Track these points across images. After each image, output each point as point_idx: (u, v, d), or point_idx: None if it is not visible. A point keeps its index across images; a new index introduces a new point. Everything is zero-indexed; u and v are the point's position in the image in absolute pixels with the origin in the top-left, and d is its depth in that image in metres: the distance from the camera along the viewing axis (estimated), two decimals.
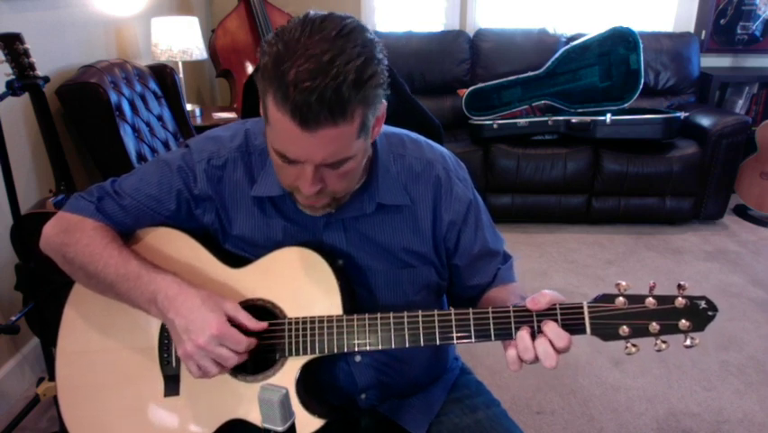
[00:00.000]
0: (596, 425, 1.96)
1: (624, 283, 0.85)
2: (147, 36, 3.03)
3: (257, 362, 0.95)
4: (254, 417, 0.92)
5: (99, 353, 0.98)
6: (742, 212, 3.72)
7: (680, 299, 0.84)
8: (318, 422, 0.90)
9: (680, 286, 0.85)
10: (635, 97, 3.43)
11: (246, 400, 0.93)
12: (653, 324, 0.84)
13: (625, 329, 0.84)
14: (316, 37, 0.74)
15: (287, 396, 0.66)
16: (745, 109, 3.97)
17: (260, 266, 0.97)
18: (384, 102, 0.85)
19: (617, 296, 0.85)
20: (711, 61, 3.97)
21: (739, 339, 2.42)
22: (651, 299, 0.85)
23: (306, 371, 0.93)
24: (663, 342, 0.84)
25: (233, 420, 0.94)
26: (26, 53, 1.58)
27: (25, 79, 1.59)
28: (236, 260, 0.99)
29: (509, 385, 2.12)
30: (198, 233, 1.02)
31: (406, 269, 1.01)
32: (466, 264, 1.04)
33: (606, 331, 0.85)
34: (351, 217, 0.98)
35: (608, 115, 3.29)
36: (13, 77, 1.58)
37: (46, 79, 1.65)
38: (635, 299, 0.85)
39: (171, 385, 0.96)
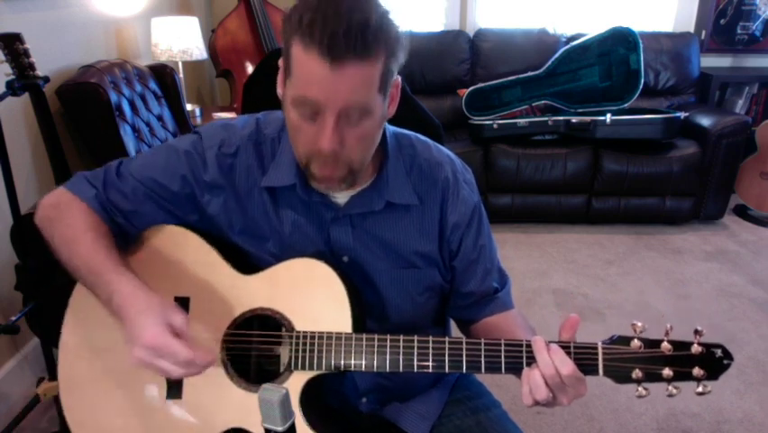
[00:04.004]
0: (596, 425, 1.96)
1: (639, 324, 0.83)
2: (147, 36, 3.03)
3: (263, 372, 0.95)
4: (257, 428, 0.91)
5: (102, 351, 0.98)
6: (742, 212, 3.72)
7: (696, 345, 0.82)
8: None
9: (696, 331, 0.83)
10: (635, 97, 3.43)
11: (249, 409, 0.92)
12: (667, 370, 0.82)
13: (638, 373, 0.83)
14: None
15: (287, 396, 0.66)
16: (745, 109, 3.97)
17: (271, 275, 0.96)
18: (398, 78, 0.89)
19: (632, 338, 0.84)
20: (711, 61, 3.96)
21: (739, 339, 2.42)
22: (666, 343, 0.83)
23: (310, 385, 0.92)
24: (675, 387, 0.83)
25: (234, 429, 0.93)
26: (26, 53, 1.58)
27: (25, 79, 1.59)
28: (247, 262, 0.98)
29: (509, 385, 2.11)
30: (210, 230, 1.00)
31: (411, 269, 1.01)
32: (463, 268, 1.04)
33: (618, 373, 0.84)
34: (359, 214, 0.98)
35: (608, 115, 3.29)
36: (13, 77, 1.58)
37: (46, 79, 1.64)
38: (651, 344, 0.83)
39: (173, 388, 0.95)
